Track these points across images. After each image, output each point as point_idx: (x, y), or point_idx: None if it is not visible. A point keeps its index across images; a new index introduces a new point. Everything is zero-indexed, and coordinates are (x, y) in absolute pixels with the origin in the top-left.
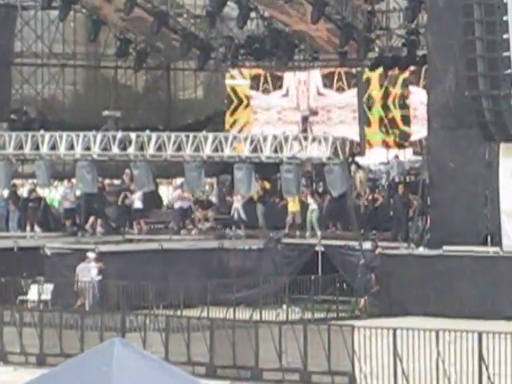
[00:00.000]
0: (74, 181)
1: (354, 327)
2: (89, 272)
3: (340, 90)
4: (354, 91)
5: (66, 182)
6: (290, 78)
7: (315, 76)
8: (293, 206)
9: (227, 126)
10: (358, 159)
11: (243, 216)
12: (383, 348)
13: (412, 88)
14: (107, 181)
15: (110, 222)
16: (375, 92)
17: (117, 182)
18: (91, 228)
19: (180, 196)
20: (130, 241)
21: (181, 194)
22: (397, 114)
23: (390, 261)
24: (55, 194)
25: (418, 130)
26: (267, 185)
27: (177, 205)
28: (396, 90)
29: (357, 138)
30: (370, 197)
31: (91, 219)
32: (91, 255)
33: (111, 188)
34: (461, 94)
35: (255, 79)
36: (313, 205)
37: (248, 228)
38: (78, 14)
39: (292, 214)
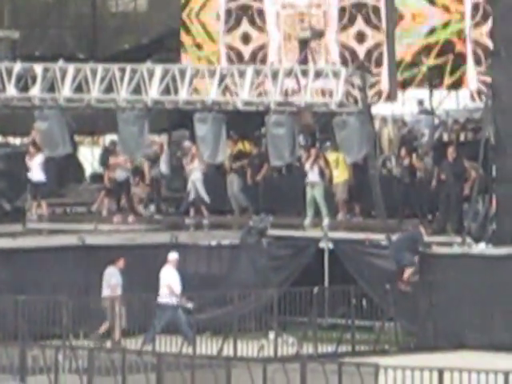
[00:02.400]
0: None
1: (379, 367)
2: (176, 282)
3: None
4: None
5: None
6: None
7: None
8: (339, 173)
9: (185, 55)
10: (384, 106)
11: (203, 194)
12: None
13: None
14: None
15: (1, 203)
16: None
17: (15, 140)
18: None
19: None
20: (36, 232)
21: (115, 159)
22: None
23: (435, 264)
24: None
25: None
26: (247, 146)
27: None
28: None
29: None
30: (406, 162)
31: None
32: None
33: (3, 150)
34: None
35: None
36: (314, 176)
37: (215, 213)
38: None
39: (342, 188)
